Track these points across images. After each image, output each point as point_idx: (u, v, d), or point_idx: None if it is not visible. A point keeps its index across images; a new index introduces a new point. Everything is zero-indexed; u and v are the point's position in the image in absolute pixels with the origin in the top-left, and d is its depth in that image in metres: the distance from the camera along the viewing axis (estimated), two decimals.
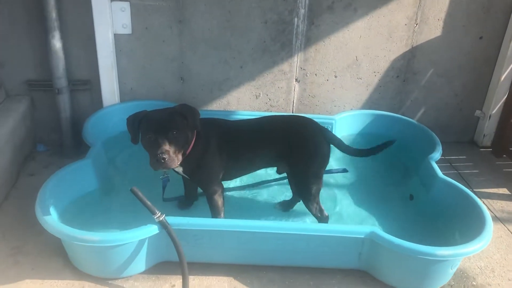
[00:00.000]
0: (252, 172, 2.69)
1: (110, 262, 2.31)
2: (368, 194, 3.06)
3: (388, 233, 2.32)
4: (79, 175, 2.67)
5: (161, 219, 2.24)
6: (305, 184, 2.50)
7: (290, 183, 2.75)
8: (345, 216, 2.85)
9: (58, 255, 2.49)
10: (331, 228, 2.37)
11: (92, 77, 3.38)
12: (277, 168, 2.67)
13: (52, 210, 2.37)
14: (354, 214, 2.87)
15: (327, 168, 2.63)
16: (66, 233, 2.19)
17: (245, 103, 3.61)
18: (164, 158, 2.20)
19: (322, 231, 2.34)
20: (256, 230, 2.32)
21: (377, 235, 2.29)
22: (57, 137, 3.49)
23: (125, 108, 3.37)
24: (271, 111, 3.65)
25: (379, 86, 3.65)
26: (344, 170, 3.17)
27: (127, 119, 2.38)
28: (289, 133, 2.54)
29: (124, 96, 3.47)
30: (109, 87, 3.35)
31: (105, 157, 2.98)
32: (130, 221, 2.53)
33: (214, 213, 2.57)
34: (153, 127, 2.26)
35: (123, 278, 2.40)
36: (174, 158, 2.25)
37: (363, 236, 2.32)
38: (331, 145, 2.59)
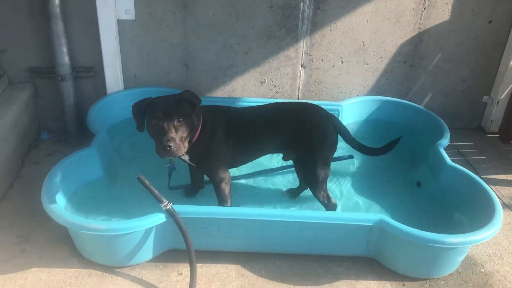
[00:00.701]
0: (258, 158, 2.66)
1: (117, 250, 2.30)
2: (374, 181, 3.04)
3: (396, 220, 2.30)
4: (84, 164, 2.64)
5: (168, 207, 2.22)
6: (312, 171, 2.47)
7: (297, 170, 2.72)
8: (352, 203, 2.84)
9: (65, 243, 2.49)
10: (339, 216, 2.36)
11: (95, 64, 3.34)
12: (283, 155, 2.64)
13: (58, 199, 2.35)
14: (360, 202, 2.85)
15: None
16: (73, 222, 2.18)
17: (250, 89, 3.57)
18: (170, 146, 2.17)
19: (330, 219, 2.32)
20: (264, 218, 2.30)
21: (385, 223, 2.27)
22: (61, 125, 3.46)
23: (129, 95, 3.35)
24: (276, 98, 3.61)
25: (386, 71, 3.60)
26: (350, 157, 3.14)
27: (132, 106, 2.34)
28: (297, 119, 2.51)
29: (128, 82, 3.44)
30: (113, 74, 3.31)
31: (110, 144, 2.96)
32: (136, 209, 2.52)
33: (221, 201, 2.55)
34: (158, 113, 2.22)
35: (130, 266, 2.39)
36: (180, 146, 2.22)
37: (371, 224, 2.30)
38: None
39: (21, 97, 3.23)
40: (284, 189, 2.92)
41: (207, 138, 2.42)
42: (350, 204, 2.81)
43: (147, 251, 2.37)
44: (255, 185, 2.97)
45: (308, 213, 2.42)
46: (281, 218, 2.30)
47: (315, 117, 2.52)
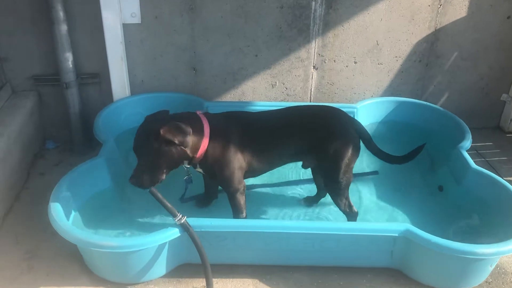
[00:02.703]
0: (278, 167, 2.54)
1: (129, 267, 2.19)
2: (394, 186, 2.91)
3: (418, 228, 2.19)
4: (92, 175, 2.53)
5: (182, 221, 2.11)
6: (334, 178, 2.35)
7: (316, 177, 2.61)
8: (371, 210, 2.71)
9: (74, 259, 2.38)
10: (363, 226, 2.23)
11: (101, 70, 3.23)
12: (303, 163, 2.52)
13: (65, 213, 2.24)
14: (380, 208, 2.73)
15: (357, 170, 2.46)
16: (82, 239, 2.07)
17: (260, 92, 3.46)
18: (132, 182, 2.15)
19: (353, 230, 2.20)
20: (283, 230, 2.19)
21: (412, 233, 2.15)
22: (67, 133, 3.35)
23: (136, 101, 3.25)
24: (287, 101, 3.50)
25: (400, 71, 3.48)
26: (374, 173, 2.98)
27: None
28: (318, 124, 2.39)
29: (135, 88, 3.33)
30: (119, 80, 3.20)
31: (119, 154, 2.84)
32: (147, 221, 2.45)
33: (236, 212, 2.43)
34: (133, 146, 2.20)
35: (143, 283, 2.28)
36: (142, 181, 2.14)
37: (397, 235, 2.17)
38: None
39: (25, 105, 3.13)
40: (300, 196, 2.80)
41: (220, 148, 2.31)
42: (369, 211, 2.69)
43: (160, 267, 2.27)
44: (270, 192, 2.85)
45: (331, 224, 2.30)
46: (301, 230, 2.19)
47: (337, 121, 2.40)
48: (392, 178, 2.95)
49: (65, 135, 3.37)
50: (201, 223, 2.16)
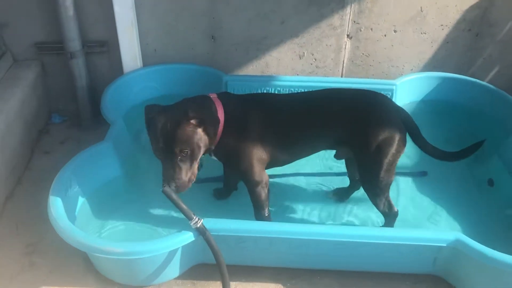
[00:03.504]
0: (306, 156, 2.22)
1: (139, 270, 1.97)
2: (435, 179, 2.57)
3: (464, 231, 1.96)
4: (98, 162, 2.26)
5: (198, 225, 1.84)
6: (374, 175, 2.04)
7: (351, 170, 2.30)
8: (408, 208, 2.39)
9: (79, 255, 2.14)
10: (405, 235, 1.93)
11: (109, 37, 2.91)
12: (336, 153, 2.20)
13: (67, 209, 1.99)
14: (419, 206, 2.41)
15: (401, 169, 2.16)
16: (85, 243, 1.82)
17: (286, 64, 3.10)
18: (172, 188, 1.85)
19: (395, 238, 1.90)
20: (313, 237, 1.91)
21: (463, 244, 1.86)
22: (74, 106, 3.07)
23: (148, 73, 2.95)
24: (316, 74, 3.14)
25: (446, 42, 3.07)
26: (423, 174, 2.61)
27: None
28: (356, 112, 2.05)
29: (147, 59, 3.01)
30: (130, 49, 2.88)
31: (128, 136, 2.56)
32: (160, 213, 2.29)
33: (257, 208, 2.16)
34: (159, 146, 1.86)
35: (154, 285, 2.05)
36: (185, 182, 1.88)
37: (445, 245, 1.87)
38: None
39: (27, 77, 2.84)
40: (329, 189, 2.49)
41: (234, 137, 2.01)
42: (406, 209, 2.36)
43: (173, 269, 2.03)
44: (295, 183, 2.54)
45: (369, 231, 1.99)
46: (335, 237, 1.91)
47: (381, 109, 2.06)
48: (432, 171, 2.61)
49: (72, 108, 3.10)
50: (218, 226, 1.89)
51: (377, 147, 1.99)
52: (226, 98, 2.05)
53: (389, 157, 2.00)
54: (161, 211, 2.34)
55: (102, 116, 2.72)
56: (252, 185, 2.08)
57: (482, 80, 3.10)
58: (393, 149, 1.99)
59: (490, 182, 2.51)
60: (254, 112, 2.04)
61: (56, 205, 1.92)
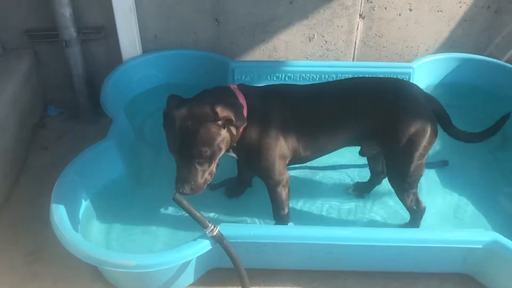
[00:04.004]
0: (329, 153, 2.07)
1: (153, 280, 1.84)
2: (456, 169, 2.44)
3: (490, 223, 1.95)
4: (101, 162, 2.10)
5: (215, 233, 1.69)
6: (404, 170, 1.89)
7: (373, 163, 2.15)
8: (432, 202, 2.23)
9: (85, 263, 1.96)
10: (438, 237, 1.80)
11: (106, 23, 2.71)
12: (361, 149, 2.05)
13: (71, 216, 1.84)
14: (442, 199, 2.28)
15: None
16: (97, 257, 1.68)
17: (295, 47, 2.92)
18: (183, 193, 1.70)
19: (428, 241, 1.78)
20: (340, 242, 1.78)
21: (501, 245, 1.74)
22: (71, 96, 2.89)
23: (149, 60, 2.76)
24: (327, 57, 2.96)
25: (463, 20, 2.89)
26: (444, 164, 2.46)
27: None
28: (386, 102, 1.89)
29: (147, 44, 2.81)
30: (128, 35, 2.68)
31: (131, 131, 2.39)
32: (168, 212, 2.18)
33: (277, 208, 2.02)
34: (176, 147, 1.70)
35: None
36: (200, 185, 1.73)
37: (481, 246, 1.75)
38: None
39: (19, 67, 2.65)
40: (348, 183, 2.35)
41: (257, 131, 1.85)
42: (430, 203, 2.21)
43: (188, 276, 1.91)
44: (311, 177, 2.39)
45: (399, 234, 1.85)
46: (362, 242, 1.78)
47: (411, 99, 1.90)
48: (453, 160, 2.46)
49: (69, 99, 2.91)
50: (237, 232, 1.75)
51: (408, 140, 1.84)
52: (247, 90, 1.88)
53: (420, 150, 1.86)
54: (170, 211, 2.20)
55: (101, 106, 2.55)
56: (272, 184, 1.94)
57: (500, 60, 2.95)
58: (425, 141, 1.85)
59: None
60: (277, 106, 1.88)
61: (59, 214, 1.76)
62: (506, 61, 2.98)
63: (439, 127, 1.93)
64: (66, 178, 1.93)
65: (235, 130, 1.78)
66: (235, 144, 1.83)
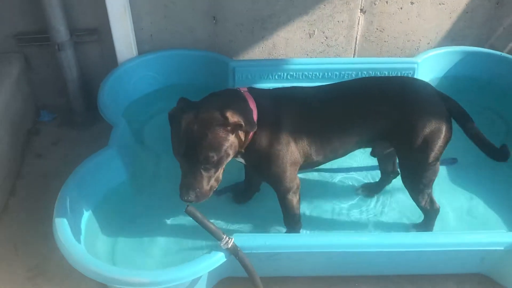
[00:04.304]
0: (341, 157, 2.01)
1: None
2: (466, 166, 2.39)
3: (505, 223, 1.91)
4: (102, 172, 2.01)
5: (230, 245, 1.62)
6: (419, 171, 1.84)
7: (384, 163, 2.10)
8: (443, 202, 2.16)
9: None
10: (459, 241, 1.76)
11: (99, 24, 2.60)
12: (373, 150, 2.00)
13: (74, 229, 1.75)
14: (454, 199, 2.23)
15: None
16: (108, 275, 1.60)
17: (295, 44, 2.85)
18: (189, 200, 1.62)
19: (446, 245, 1.74)
20: (357, 249, 1.73)
21: None
22: (64, 101, 2.79)
23: (145, 62, 2.66)
24: (327, 53, 2.89)
25: (465, 12, 2.84)
26: (453, 161, 2.41)
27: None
28: (399, 102, 1.82)
29: (143, 45, 2.71)
30: (123, 35, 2.57)
31: (132, 138, 2.30)
32: (176, 222, 2.11)
33: (288, 214, 1.96)
34: (180, 149, 1.61)
35: None
36: (205, 192, 1.65)
37: (503, 248, 1.71)
38: None
39: (9, 72, 2.54)
40: (357, 183, 2.29)
41: (267, 137, 1.77)
42: (442, 202, 2.15)
43: (200, 286, 1.82)
44: (319, 178, 2.33)
45: (417, 238, 1.81)
46: (381, 248, 1.73)
47: (425, 98, 1.84)
48: (462, 157, 2.41)
49: (62, 103, 2.81)
50: (252, 243, 1.69)
51: (423, 140, 1.78)
52: (257, 94, 1.80)
53: (435, 151, 1.80)
54: (176, 219, 2.13)
55: (96, 110, 2.45)
56: (283, 191, 1.87)
57: (501, 51, 2.92)
58: (440, 142, 1.80)
59: None
60: (287, 110, 1.80)
61: (64, 231, 1.68)
62: (508, 53, 2.95)
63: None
64: (68, 191, 1.84)
65: (244, 136, 1.70)
66: (243, 150, 1.76)
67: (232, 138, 1.63)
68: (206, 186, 1.64)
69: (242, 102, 1.72)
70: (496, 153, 1.83)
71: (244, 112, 1.66)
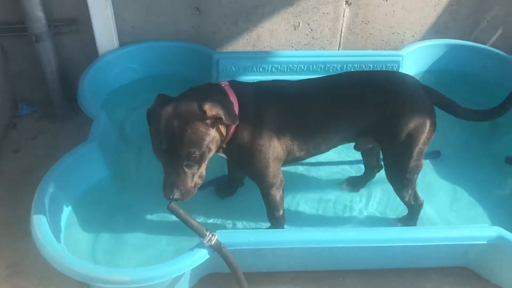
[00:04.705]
0: (324, 152, 1.98)
1: None
2: (449, 160, 2.39)
3: (488, 215, 1.93)
4: (82, 167, 1.96)
5: (213, 242, 1.60)
6: (403, 166, 1.83)
7: (368, 157, 2.09)
8: (427, 193, 2.17)
9: None
10: (443, 235, 1.76)
11: (79, 14, 2.54)
12: (356, 144, 1.98)
13: (53, 226, 1.72)
14: (437, 192, 2.23)
15: None
16: (88, 274, 1.56)
17: (280, 36, 2.81)
18: (174, 198, 1.58)
19: (430, 240, 1.73)
20: (341, 244, 1.72)
21: (507, 242, 1.69)
22: (43, 94, 2.72)
23: (127, 54, 2.61)
24: (312, 45, 2.86)
25: (450, 4, 2.84)
26: (436, 155, 2.40)
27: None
28: (383, 96, 1.81)
29: (124, 37, 2.65)
30: (104, 26, 2.51)
31: (113, 131, 2.25)
32: (156, 218, 2.07)
33: (271, 210, 1.94)
34: (162, 148, 1.57)
35: None
36: (190, 189, 1.62)
37: (486, 242, 1.71)
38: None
39: None
40: (341, 177, 2.28)
41: (249, 132, 1.74)
42: (425, 195, 2.14)
43: (183, 283, 1.80)
44: (303, 172, 2.32)
45: (401, 233, 1.80)
46: (365, 243, 1.72)
47: (409, 93, 1.82)
48: (446, 152, 2.42)
49: (41, 96, 2.74)
50: (236, 239, 1.66)
51: (407, 135, 1.77)
52: (239, 87, 1.76)
53: (419, 145, 1.79)
54: (158, 215, 2.09)
55: (76, 103, 2.39)
56: (266, 187, 1.85)
57: (485, 44, 2.92)
58: (424, 136, 1.79)
59: (509, 160, 2.35)
60: (270, 104, 1.77)
61: (42, 229, 1.63)
62: (491, 46, 2.95)
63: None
64: (46, 187, 1.79)
65: (225, 130, 1.67)
66: (224, 145, 1.73)
67: (213, 132, 1.59)
68: (190, 183, 1.61)
69: (222, 95, 1.68)
70: (491, 115, 1.90)
71: (224, 105, 1.62)
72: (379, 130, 1.83)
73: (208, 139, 1.58)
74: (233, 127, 1.70)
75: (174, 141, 1.55)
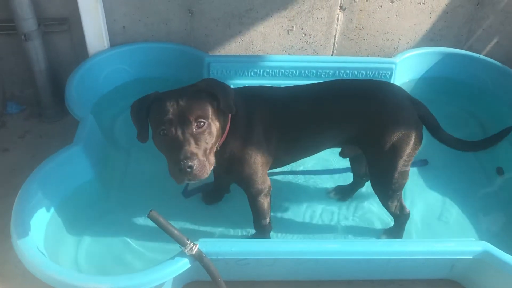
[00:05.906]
0: (309, 156, 1.98)
1: None
2: (437, 168, 2.38)
3: (475, 227, 1.94)
4: (66, 170, 1.94)
5: (194, 251, 1.57)
6: (388, 177, 1.81)
7: (356, 165, 2.07)
8: (416, 203, 2.20)
9: None
10: (428, 249, 1.74)
11: (70, 13, 2.52)
12: (342, 150, 1.96)
13: (35, 232, 1.68)
14: (425, 202, 2.22)
15: None
16: (61, 280, 1.53)
17: (273, 40, 2.79)
18: (191, 166, 1.50)
19: (416, 253, 1.71)
20: (326, 256, 1.69)
21: (492, 256, 1.68)
22: (32, 93, 2.69)
23: (117, 55, 2.59)
24: (306, 50, 2.84)
25: (445, 12, 2.81)
26: (423, 163, 2.40)
27: (131, 106, 1.65)
28: (369, 106, 1.79)
29: (115, 37, 2.63)
30: (94, 26, 2.49)
31: (100, 134, 2.22)
32: (142, 222, 2.04)
33: (258, 218, 1.92)
34: (168, 116, 1.54)
35: None
36: (204, 164, 1.55)
37: (471, 257, 1.69)
38: None
39: None
40: (329, 186, 2.25)
41: (239, 139, 1.73)
42: (414, 205, 2.17)
43: None
44: (293, 181, 2.29)
45: (386, 246, 1.78)
46: (350, 255, 1.70)
47: (395, 104, 1.80)
48: (432, 159, 2.40)
49: (30, 95, 2.72)
50: (218, 249, 1.63)
51: (392, 146, 1.75)
52: None
53: (404, 157, 1.77)
54: (143, 220, 2.07)
55: (65, 103, 2.36)
56: (254, 194, 1.83)
57: (480, 53, 2.90)
58: (409, 148, 1.77)
59: (499, 171, 2.34)
60: (258, 109, 1.76)
61: (21, 233, 1.61)
62: (486, 54, 2.94)
63: (426, 132, 1.85)
64: (28, 190, 1.76)
65: (223, 121, 1.67)
66: (218, 147, 1.70)
67: (213, 111, 1.61)
68: (202, 156, 1.55)
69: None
70: (470, 147, 1.90)
71: (221, 88, 1.67)
72: (363, 139, 1.81)
73: (210, 111, 1.59)
74: (225, 133, 1.69)
75: (181, 108, 1.55)
